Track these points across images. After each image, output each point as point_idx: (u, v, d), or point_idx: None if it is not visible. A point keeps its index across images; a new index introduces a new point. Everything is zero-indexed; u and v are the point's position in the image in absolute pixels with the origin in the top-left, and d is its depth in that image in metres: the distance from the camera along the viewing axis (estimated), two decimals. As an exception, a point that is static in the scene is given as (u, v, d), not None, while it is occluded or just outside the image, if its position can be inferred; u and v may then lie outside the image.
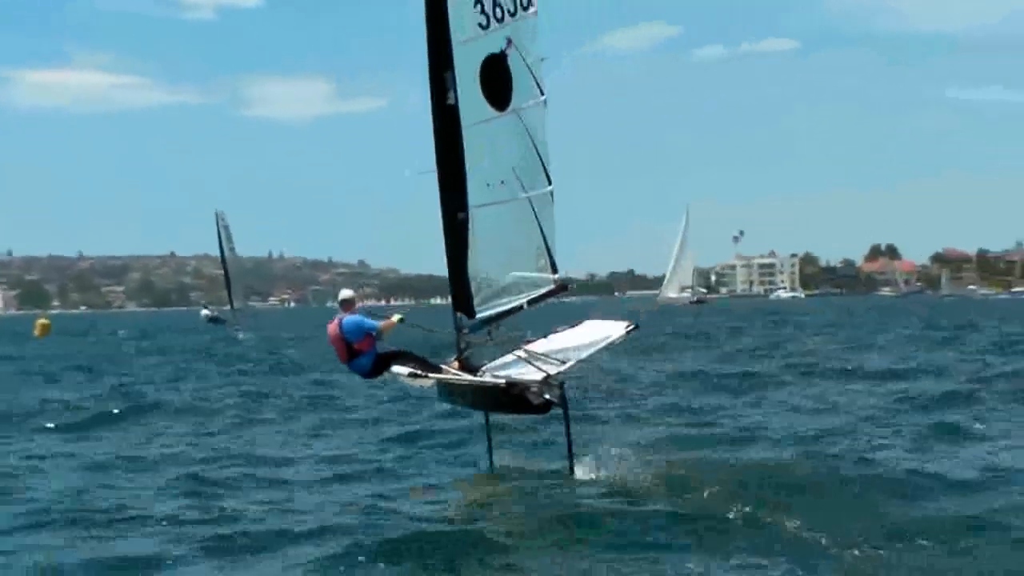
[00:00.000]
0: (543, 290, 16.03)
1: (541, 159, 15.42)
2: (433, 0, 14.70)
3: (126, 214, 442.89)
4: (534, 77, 15.16)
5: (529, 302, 15.87)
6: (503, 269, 15.59)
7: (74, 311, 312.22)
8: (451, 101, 14.78)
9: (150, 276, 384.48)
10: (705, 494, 13.93)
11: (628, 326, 16.34)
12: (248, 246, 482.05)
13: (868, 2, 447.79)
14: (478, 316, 15.49)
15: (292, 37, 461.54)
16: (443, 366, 15.54)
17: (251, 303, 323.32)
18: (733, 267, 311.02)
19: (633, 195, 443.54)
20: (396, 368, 15.52)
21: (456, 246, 15.31)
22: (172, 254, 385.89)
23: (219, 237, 68.22)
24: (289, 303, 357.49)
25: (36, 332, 76.46)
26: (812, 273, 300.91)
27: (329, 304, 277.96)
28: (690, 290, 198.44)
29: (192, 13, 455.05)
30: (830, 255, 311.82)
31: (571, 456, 15.36)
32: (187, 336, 71.46)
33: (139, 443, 21.01)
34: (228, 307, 74.54)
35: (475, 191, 15.02)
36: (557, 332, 16.28)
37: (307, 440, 21.13)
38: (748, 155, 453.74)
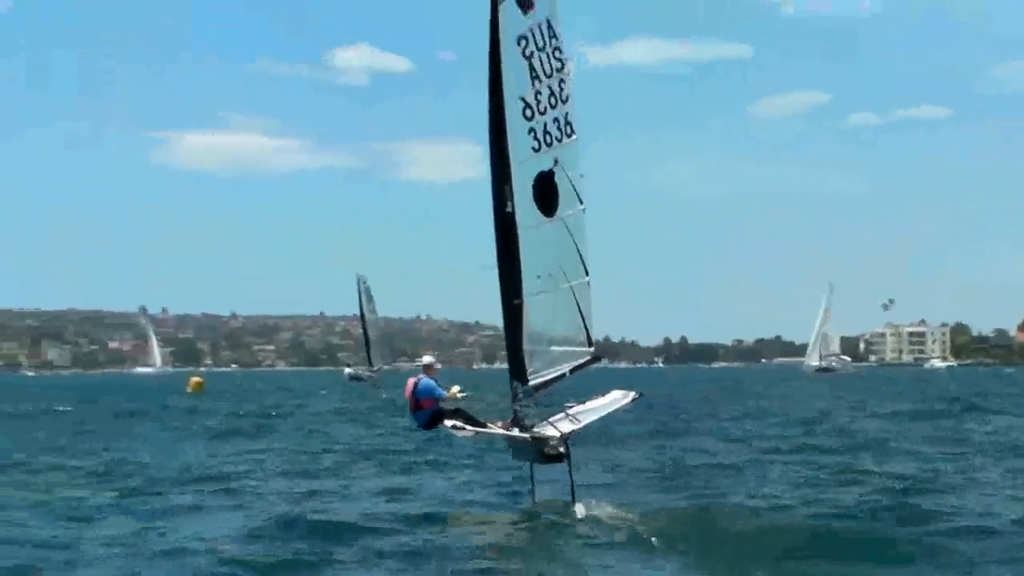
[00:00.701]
0: (581, 361, 19.54)
1: (580, 256, 18.99)
2: (495, 128, 18.37)
3: (278, 274, 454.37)
4: (575, 190, 18.75)
5: (571, 371, 19.41)
6: (550, 345, 19.13)
7: (224, 369, 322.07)
8: (509, 209, 18.43)
9: (300, 336, 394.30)
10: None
11: (635, 395, 19.99)
12: (396, 307, 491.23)
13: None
14: (530, 383, 19.04)
15: (441, 100, 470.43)
16: (489, 423, 19.23)
17: (400, 363, 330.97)
18: (883, 335, 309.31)
19: (784, 260, 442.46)
20: (446, 422, 19.27)
21: (512, 327, 18.96)
22: (321, 314, 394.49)
23: (360, 300, 72.59)
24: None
25: (189, 388, 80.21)
26: (963, 342, 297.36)
27: (475, 367, 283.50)
28: (833, 358, 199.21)
29: (345, 78, 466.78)
30: (982, 324, 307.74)
31: (573, 497, 18.89)
32: (331, 392, 75.94)
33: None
34: (369, 367, 78.64)
35: (528, 282, 18.63)
36: (593, 399, 19.83)
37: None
38: (897, 221, 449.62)
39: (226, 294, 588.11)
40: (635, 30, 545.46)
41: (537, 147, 18.53)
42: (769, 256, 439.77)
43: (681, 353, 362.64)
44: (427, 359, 21.14)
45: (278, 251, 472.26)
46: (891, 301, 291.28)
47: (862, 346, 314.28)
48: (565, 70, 18.53)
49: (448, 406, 19.88)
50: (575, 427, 18.69)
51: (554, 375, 19.23)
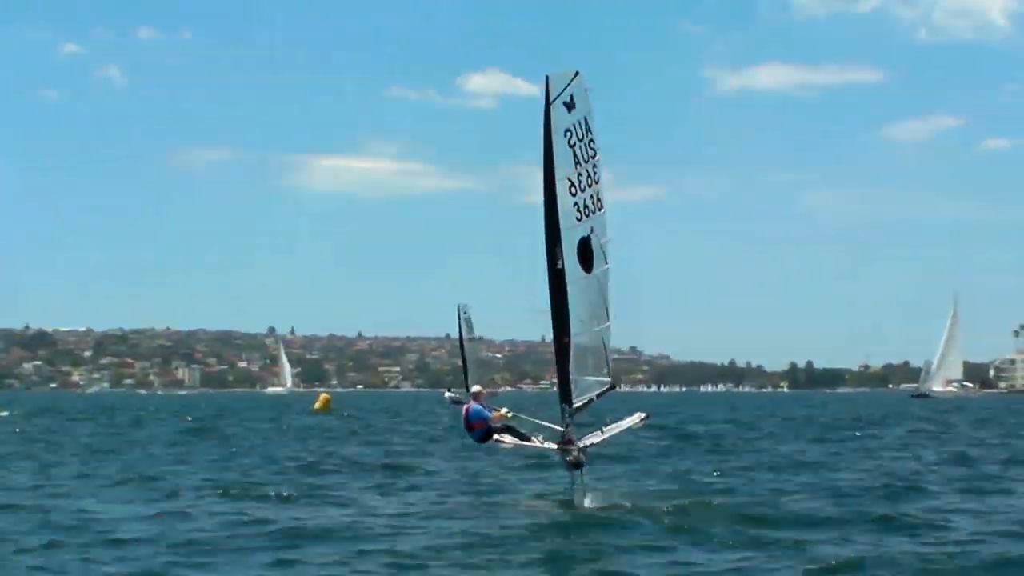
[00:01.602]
0: (604, 388, 24.98)
1: (606, 305, 24.47)
2: (548, 200, 23.80)
3: (404, 296, 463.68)
4: (604, 253, 24.18)
5: (597, 396, 24.84)
6: (583, 373, 24.53)
7: (350, 389, 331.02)
8: (560, 266, 23.85)
9: (426, 357, 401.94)
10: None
11: (644, 416, 25.81)
12: (522, 330, 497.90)
13: None
14: (574, 405, 24.47)
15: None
16: (532, 438, 24.93)
17: (522, 386, 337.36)
18: (1013, 361, 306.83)
19: (915, 285, 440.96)
20: (496, 436, 24.99)
21: (562, 360, 24.39)
22: (447, 336, 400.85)
23: (459, 328, 77.92)
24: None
25: (317, 405, 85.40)
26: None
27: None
28: (956, 384, 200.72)
29: (475, 101, 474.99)
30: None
31: (582, 495, 24.02)
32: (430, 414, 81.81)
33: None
34: (466, 391, 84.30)
35: (573, 325, 24.05)
36: (619, 421, 25.37)
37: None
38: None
39: (353, 316, 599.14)
40: (767, 55, 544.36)
41: (579, 217, 23.95)
42: (899, 281, 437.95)
43: (807, 378, 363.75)
44: (475, 389, 27.33)
45: (405, 273, 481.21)
46: (1022, 327, 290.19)
47: (992, 372, 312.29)
48: (597, 157, 24.01)
49: (497, 424, 25.46)
50: (591, 441, 24.18)
51: (585, 400, 24.67)
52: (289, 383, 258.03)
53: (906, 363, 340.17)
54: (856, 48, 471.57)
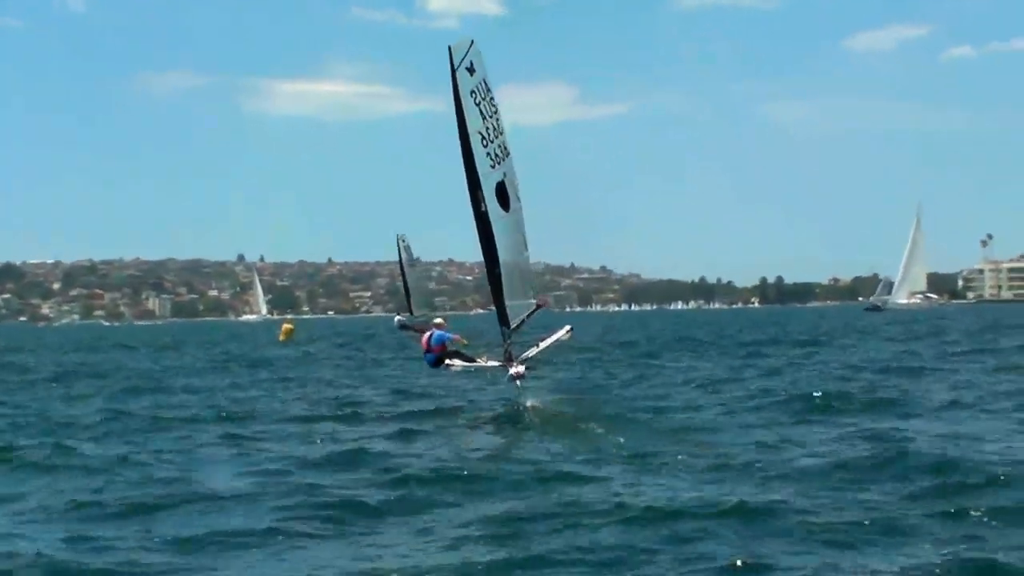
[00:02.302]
0: (531, 310, 29.19)
1: (524, 238, 28.71)
2: (465, 152, 27.82)
3: (374, 220, 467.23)
4: (516, 193, 28.35)
5: (527, 316, 29.04)
6: (515, 299, 28.72)
7: (322, 316, 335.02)
8: (483, 208, 27.95)
9: (396, 281, 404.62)
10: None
11: (569, 329, 29.94)
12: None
13: None
14: (511, 327, 28.65)
15: (534, 45, 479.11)
16: (477, 359, 29.23)
17: (493, 308, 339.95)
18: (981, 271, 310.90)
19: (882, 196, 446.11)
20: (447, 361, 29.21)
21: (496, 289, 28.48)
22: (418, 259, 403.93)
23: (399, 256, 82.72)
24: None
25: (281, 337, 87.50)
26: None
27: (568, 309, 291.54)
28: (920, 295, 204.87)
29: (438, 22, 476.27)
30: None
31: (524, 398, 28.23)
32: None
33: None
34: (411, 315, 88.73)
35: (502, 256, 28.16)
36: (549, 335, 29.60)
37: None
38: (993, 156, 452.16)
39: (322, 241, 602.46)
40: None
41: (492, 165, 28.04)
42: (867, 193, 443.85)
43: (777, 293, 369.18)
44: (438, 320, 31.28)
45: (373, 197, 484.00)
46: (989, 237, 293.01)
47: (960, 283, 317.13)
48: (498, 112, 28.14)
49: (452, 348, 29.68)
50: (528, 355, 28.37)
51: (518, 321, 28.90)
52: (263, 311, 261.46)
53: (875, 276, 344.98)
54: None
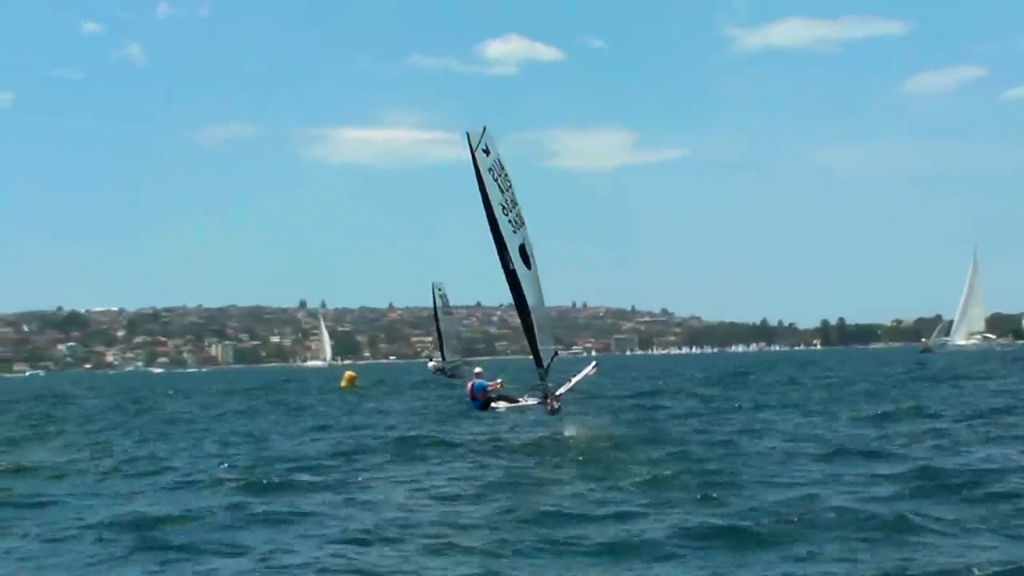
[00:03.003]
0: (553, 354, 34.29)
1: (541, 292, 33.94)
2: (491, 221, 33.03)
3: (436, 266, 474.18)
4: (533, 256, 33.59)
5: (551, 358, 34.15)
6: (544, 344, 33.86)
7: (383, 361, 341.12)
8: (511, 267, 33.15)
9: (457, 326, 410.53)
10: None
11: (595, 366, 34.93)
12: (553, 296, 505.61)
13: None
14: (544, 367, 33.76)
15: (591, 89, 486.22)
16: (520, 399, 34.41)
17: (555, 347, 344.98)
18: None
19: (946, 238, 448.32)
20: (492, 404, 34.51)
21: (530, 334, 33.64)
22: (478, 304, 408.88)
23: (434, 304, 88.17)
24: (591, 352, 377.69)
25: (343, 383, 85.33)
26: None
27: (628, 352, 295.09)
28: (979, 336, 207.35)
29: (496, 68, 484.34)
30: None
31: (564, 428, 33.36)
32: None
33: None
34: (443, 360, 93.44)
35: (531, 305, 33.36)
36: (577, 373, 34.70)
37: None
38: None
39: (384, 287, 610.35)
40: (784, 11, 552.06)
41: (514, 230, 33.30)
42: (929, 234, 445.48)
43: (839, 335, 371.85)
44: (478, 370, 36.86)
45: (433, 241, 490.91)
46: None
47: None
48: (512, 187, 33.38)
49: (494, 394, 35.06)
50: (562, 391, 33.46)
51: (547, 363, 34.00)
52: (328, 356, 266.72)
53: (938, 317, 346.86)
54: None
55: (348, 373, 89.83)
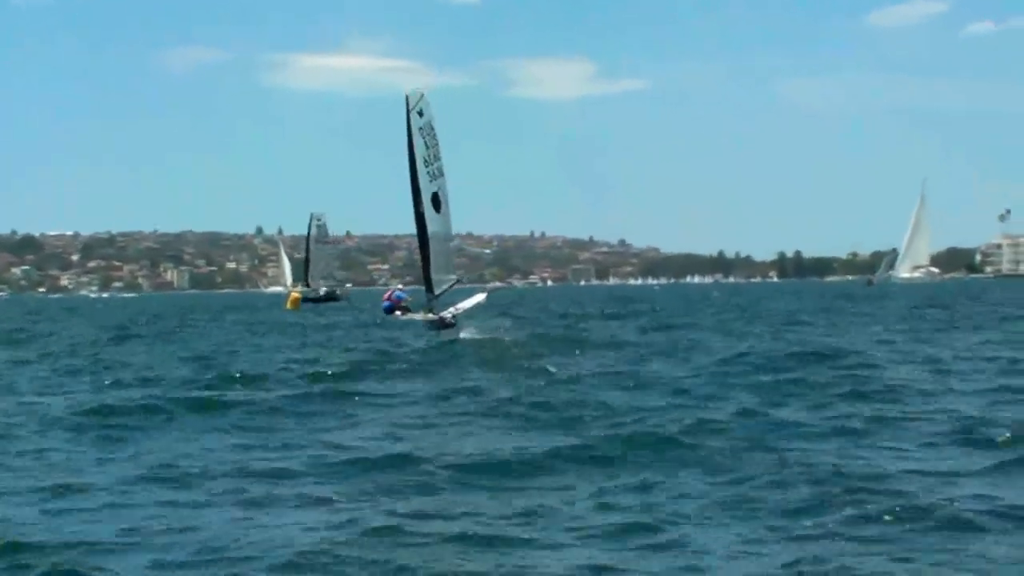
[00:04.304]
0: (451, 283, 43.43)
1: (450, 233, 43.13)
2: (412, 172, 41.94)
3: (392, 193, 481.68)
4: (446, 202, 42.62)
5: (448, 288, 43.31)
6: (439, 274, 42.92)
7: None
8: (420, 209, 42.11)
9: (414, 255, 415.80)
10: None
11: (486, 294, 44.37)
12: (511, 225, 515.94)
13: None
14: (436, 292, 42.82)
15: (554, 19, 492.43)
16: (413, 314, 43.56)
17: (512, 281, 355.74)
18: (999, 246, 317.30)
19: (901, 172, 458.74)
20: (396, 312, 43.72)
21: (425, 265, 42.70)
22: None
23: (308, 232, 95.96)
24: (547, 282, 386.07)
25: (288, 305, 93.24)
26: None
27: (584, 283, 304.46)
28: (923, 270, 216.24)
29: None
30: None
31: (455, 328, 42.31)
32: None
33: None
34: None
35: (433, 243, 42.39)
36: (467, 300, 43.80)
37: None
38: (1012, 132, 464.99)
39: (341, 214, 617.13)
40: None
41: (431, 180, 42.33)
42: (887, 168, 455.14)
43: (796, 267, 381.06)
44: (396, 288, 46.05)
45: (392, 171, 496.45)
46: (1008, 211, 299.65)
47: (978, 258, 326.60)
48: (438, 145, 42.43)
49: (405, 305, 44.20)
50: (456, 311, 42.59)
51: (440, 291, 43.09)
52: (289, 282, 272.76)
53: (894, 250, 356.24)
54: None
55: (294, 294, 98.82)
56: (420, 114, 42.24)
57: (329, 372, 30.69)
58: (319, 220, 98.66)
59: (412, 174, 42.17)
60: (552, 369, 29.82)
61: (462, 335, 41.26)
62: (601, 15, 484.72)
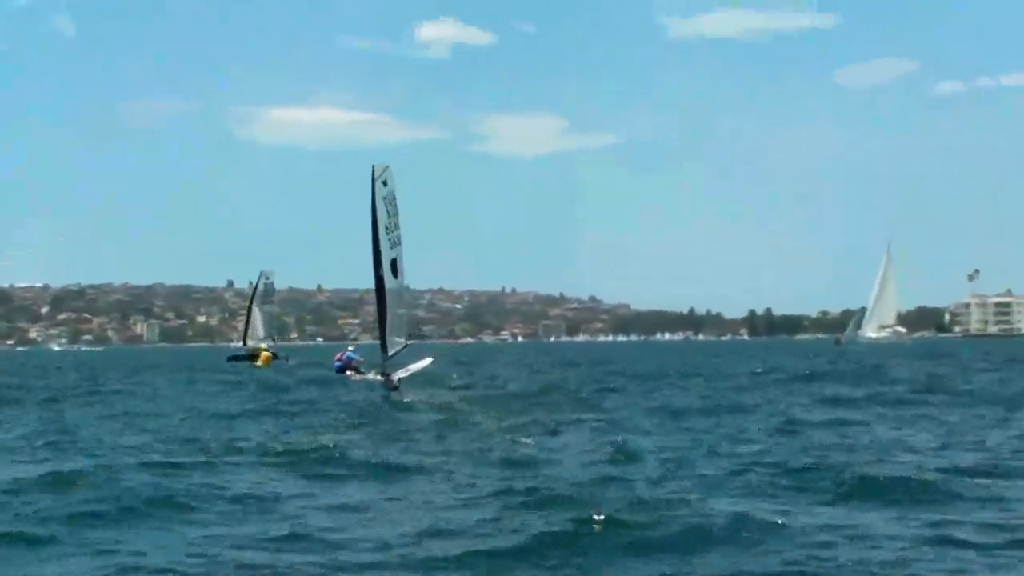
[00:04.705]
0: (403, 346, 46.06)
1: (405, 298, 45.70)
2: (375, 238, 44.54)
3: (362, 248, 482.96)
4: (402, 269, 45.33)
5: (401, 349, 45.91)
6: (393, 335, 45.49)
7: (310, 343, 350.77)
8: (380, 274, 44.71)
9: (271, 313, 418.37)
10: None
11: (432, 359, 46.98)
12: (482, 280, 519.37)
13: None
14: (389, 354, 45.38)
15: (523, 74, 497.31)
16: (369, 374, 46.07)
17: (482, 337, 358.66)
18: (967, 305, 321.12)
19: (872, 231, 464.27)
20: (348, 372, 46.37)
21: (382, 328, 45.26)
22: (407, 287, 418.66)
23: (254, 290, 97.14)
24: (518, 338, 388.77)
25: (259, 362, 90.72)
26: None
27: (553, 339, 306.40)
28: (889, 329, 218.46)
29: (427, 52, 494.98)
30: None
31: (401, 398, 44.48)
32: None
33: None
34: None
35: (390, 307, 44.96)
36: (416, 362, 46.32)
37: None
38: (982, 192, 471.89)
39: (312, 269, 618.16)
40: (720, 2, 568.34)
41: (391, 247, 44.96)
42: (859, 227, 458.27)
43: (766, 325, 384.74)
44: (349, 349, 48.81)
45: (361, 225, 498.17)
46: (976, 272, 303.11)
47: (947, 317, 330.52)
48: (398, 215, 45.07)
49: (356, 367, 46.76)
50: (403, 375, 45.13)
51: (393, 352, 45.66)
52: (262, 335, 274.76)
53: (862, 309, 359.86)
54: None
55: (264, 354, 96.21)
56: (384, 184, 44.96)
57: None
58: (267, 277, 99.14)
59: (374, 240, 44.80)
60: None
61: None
62: (570, 70, 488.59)
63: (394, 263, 45.20)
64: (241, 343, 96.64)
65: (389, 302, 45.07)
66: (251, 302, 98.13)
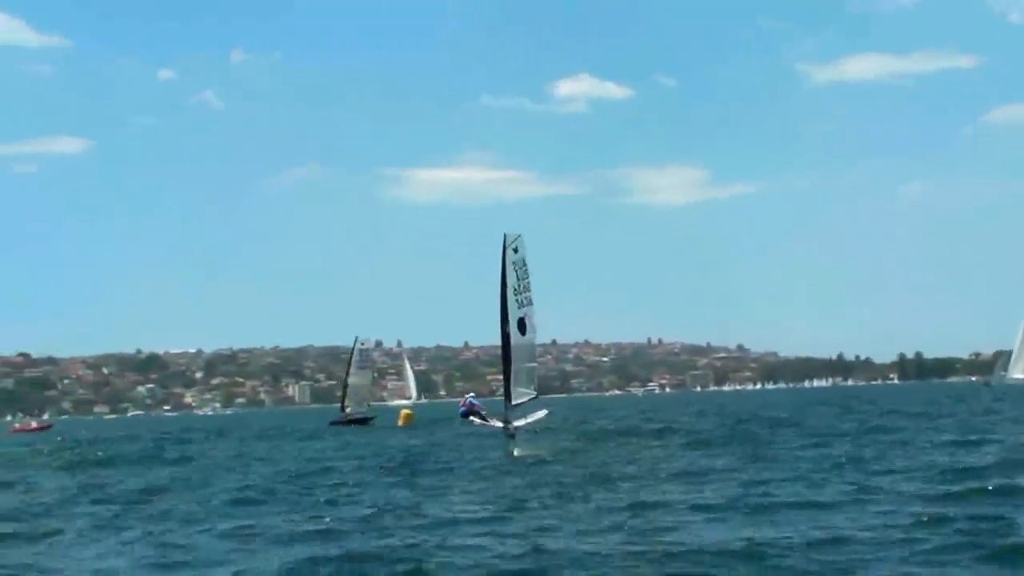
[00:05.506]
0: (529, 397, 51.39)
1: (533, 353, 51.25)
2: (503, 299, 50.02)
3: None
4: (533, 326, 50.67)
5: (527, 401, 51.26)
6: (519, 387, 50.85)
7: (457, 400, 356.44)
8: (507, 330, 50.16)
9: (368, 380, 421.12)
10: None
11: (547, 413, 53.45)
12: (628, 332, 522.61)
13: None
14: (513, 403, 50.75)
15: (663, 127, 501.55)
16: (491, 420, 51.90)
17: (631, 389, 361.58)
18: None
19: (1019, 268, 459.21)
20: (472, 416, 52.58)
21: (507, 380, 50.70)
22: (554, 342, 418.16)
23: (350, 358, 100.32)
24: (665, 388, 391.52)
25: (400, 422, 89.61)
26: None
27: (699, 388, 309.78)
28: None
29: (566, 107, 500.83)
30: None
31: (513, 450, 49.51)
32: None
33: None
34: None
35: (515, 361, 50.37)
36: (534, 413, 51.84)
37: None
38: None
39: (459, 325, 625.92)
40: (859, 47, 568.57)
41: (519, 307, 50.35)
42: (1010, 267, 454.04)
43: (917, 369, 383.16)
44: (470, 395, 55.14)
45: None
46: None
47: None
48: (528, 278, 50.50)
49: (478, 412, 52.81)
50: (520, 423, 50.45)
51: (519, 401, 50.92)
52: (414, 395, 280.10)
53: (1011, 352, 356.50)
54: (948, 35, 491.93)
55: (405, 412, 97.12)
56: (515, 251, 50.41)
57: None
58: (363, 344, 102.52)
59: (503, 300, 50.19)
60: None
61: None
62: (710, 121, 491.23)
63: (521, 321, 50.29)
64: (340, 408, 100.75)
65: (514, 356, 50.05)
66: (347, 370, 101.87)
